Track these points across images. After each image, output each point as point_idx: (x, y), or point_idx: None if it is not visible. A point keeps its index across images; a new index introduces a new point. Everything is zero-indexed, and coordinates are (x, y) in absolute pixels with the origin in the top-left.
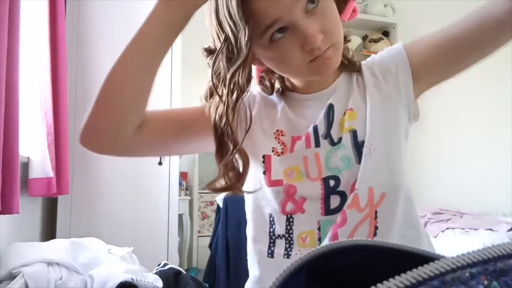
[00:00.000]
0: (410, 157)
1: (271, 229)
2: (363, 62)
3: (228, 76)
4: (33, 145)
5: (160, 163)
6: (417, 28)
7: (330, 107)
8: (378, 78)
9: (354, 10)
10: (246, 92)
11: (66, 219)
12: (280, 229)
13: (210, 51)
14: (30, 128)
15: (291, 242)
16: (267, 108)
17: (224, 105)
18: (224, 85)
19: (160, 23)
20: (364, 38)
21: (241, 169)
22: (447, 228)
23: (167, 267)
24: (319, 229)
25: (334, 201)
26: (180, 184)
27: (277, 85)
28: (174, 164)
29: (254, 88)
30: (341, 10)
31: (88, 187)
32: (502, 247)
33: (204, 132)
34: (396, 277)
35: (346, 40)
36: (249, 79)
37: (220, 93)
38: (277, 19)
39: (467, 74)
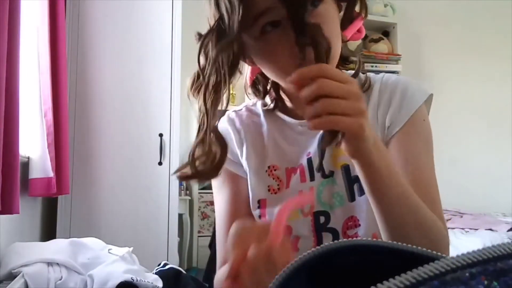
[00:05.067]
0: None
1: None
2: (372, 78)
3: (214, 54)
4: (33, 145)
5: (160, 163)
6: (417, 28)
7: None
8: (378, 116)
9: (359, 31)
10: (228, 78)
11: (66, 219)
12: None
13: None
14: (30, 128)
15: None
16: (253, 138)
17: (205, 86)
18: (209, 64)
19: None
20: (364, 38)
21: (217, 156)
22: (447, 228)
23: (167, 267)
24: None
25: (327, 239)
26: (180, 184)
27: (267, 100)
28: (174, 164)
29: (236, 117)
30: (345, 26)
31: (88, 187)
32: (502, 247)
33: None
34: (396, 277)
35: (347, 60)
36: (233, 65)
37: (204, 73)
38: (270, 7)
39: (467, 75)
